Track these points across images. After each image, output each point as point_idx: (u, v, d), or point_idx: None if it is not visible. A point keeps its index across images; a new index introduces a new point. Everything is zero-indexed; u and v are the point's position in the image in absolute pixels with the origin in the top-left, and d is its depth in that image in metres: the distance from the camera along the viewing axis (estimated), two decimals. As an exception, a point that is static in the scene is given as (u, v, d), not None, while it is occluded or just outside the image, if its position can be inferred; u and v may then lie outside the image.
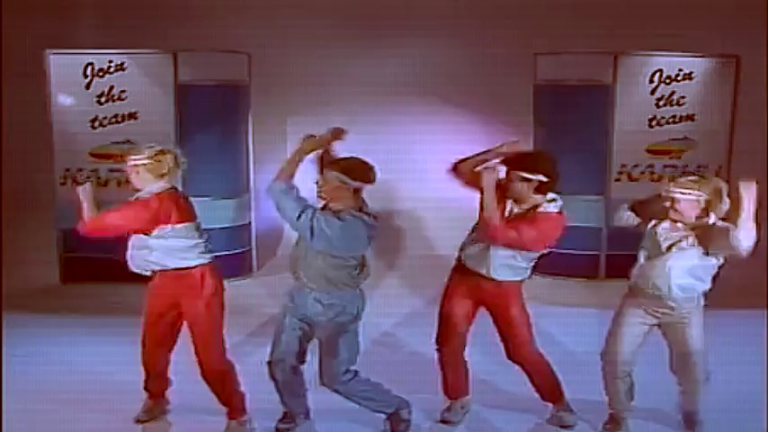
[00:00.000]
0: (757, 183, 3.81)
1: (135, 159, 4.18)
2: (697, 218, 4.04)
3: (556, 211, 4.15)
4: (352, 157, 4.06)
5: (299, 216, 3.88)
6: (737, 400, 4.52)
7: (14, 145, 7.89)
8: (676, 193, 4.05)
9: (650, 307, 4.20)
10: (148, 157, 4.16)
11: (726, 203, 4.03)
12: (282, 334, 4.21)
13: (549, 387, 4.51)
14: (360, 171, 3.99)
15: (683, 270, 4.05)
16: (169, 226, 4.12)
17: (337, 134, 4.17)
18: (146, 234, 4.13)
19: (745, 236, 3.79)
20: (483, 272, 4.21)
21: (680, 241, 4.08)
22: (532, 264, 4.29)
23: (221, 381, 4.31)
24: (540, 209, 4.13)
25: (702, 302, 4.22)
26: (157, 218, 4.10)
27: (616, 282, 7.03)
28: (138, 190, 4.22)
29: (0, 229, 7.52)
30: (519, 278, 4.27)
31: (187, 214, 4.24)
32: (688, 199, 4.02)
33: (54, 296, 7.04)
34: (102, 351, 5.64)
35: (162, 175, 4.18)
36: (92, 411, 4.66)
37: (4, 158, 7.91)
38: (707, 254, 4.02)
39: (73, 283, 7.30)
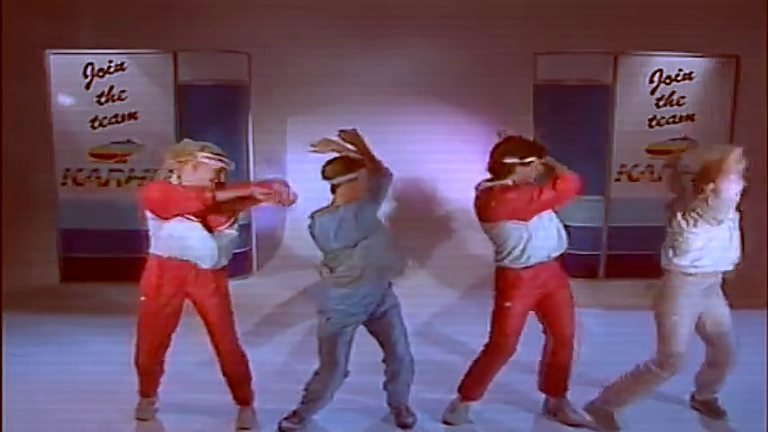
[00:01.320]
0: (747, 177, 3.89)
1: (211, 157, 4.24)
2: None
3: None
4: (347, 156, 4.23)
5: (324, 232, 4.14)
6: (738, 400, 4.52)
7: (14, 145, 7.89)
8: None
9: (707, 290, 4.21)
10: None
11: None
12: (338, 347, 4.20)
13: (561, 378, 4.50)
14: (359, 162, 4.18)
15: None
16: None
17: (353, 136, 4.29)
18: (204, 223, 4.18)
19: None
20: (551, 255, 4.28)
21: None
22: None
23: (238, 365, 4.39)
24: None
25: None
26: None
27: (616, 282, 7.10)
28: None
29: (0, 229, 7.52)
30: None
31: None
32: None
33: (54, 296, 7.03)
34: (102, 351, 5.65)
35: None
36: (92, 411, 4.66)
37: (4, 158, 7.91)
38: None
39: (73, 283, 7.30)
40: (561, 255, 4.30)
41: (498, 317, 4.34)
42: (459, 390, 4.56)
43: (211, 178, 4.22)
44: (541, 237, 4.20)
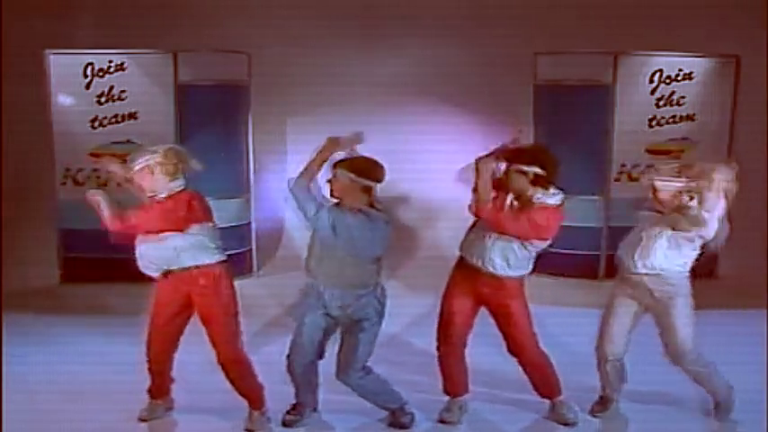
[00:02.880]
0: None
1: (147, 160, 4.19)
2: (682, 204, 4.18)
3: (553, 202, 4.18)
4: (362, 156, 4.22)
5: (317, 212, 4.06)
6: (737, 400, 4.52)
7: (14, 145, 7.88)
8: (657, 182, 4.23)
9: (635, 291, 4.35)
10: (163, 157, 4.18)
11: (719, 185, 4.08)
12: (303, 328, 4.31)
13: (546, 382, 4.52)
14: (369, 169, 4.15)
15: (657, 252, 4.21)
16: (198, 224, 4.21)
17: (358, 139, 4.29)
18: (172, 232, 4.16)
19: (705, 219, 3.97)
20: (479, 264, 4.24)
21: (655, 225, 4.25)
22: (532, 259, 4.29)
23: (240, 371, 4.37)
24: (537, 198, 4.17)
25: (686, 288, 4.29)
26: (189, 217, 4.17)
27: (616, 282, 7.10)
28: (151, 192, 4.23)
29: (0, 229, 7.52)
30: (517, 273, 4.27)
31: (210, 212, 4.34)
32: (668, 188, 4.18)
33: (54, 296, 7.03)
34: (102, 351, 5.65)
35: (175, 174, 4.22)
36: (91, 411, 4.66)
37: (4, 158, 7.91)
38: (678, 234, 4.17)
39: (73, 283, 7.29)
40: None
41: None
42: (444, 390, 4.60)
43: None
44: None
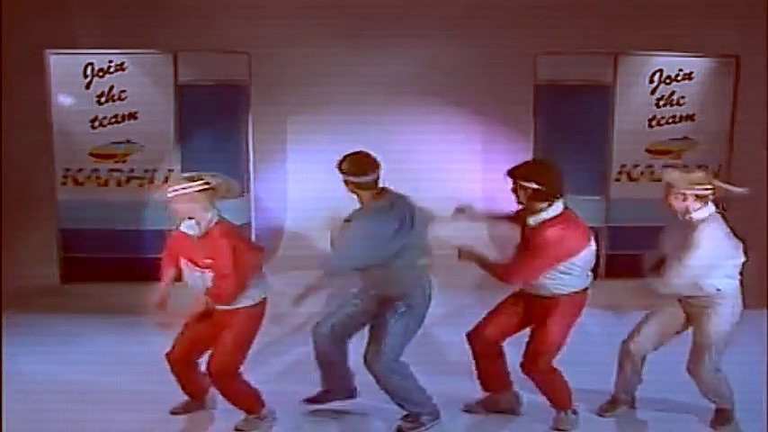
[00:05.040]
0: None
1: (193, 186, 4.07)
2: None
3: (549, 215, 4.17)
4: (350, 153, 4.24)
5: None
6: (738, 400, 4.51)
7: (14, 145, 7.89)
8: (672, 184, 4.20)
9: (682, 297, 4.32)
10: (207, 183, 4.10)
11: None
12: (342, 305, 4.41)
13: (558, 396, 4.48)
14: (344, 162, 4.18)
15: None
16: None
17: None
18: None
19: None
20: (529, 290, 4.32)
21: None
22: (570, 273, 4.27)
23: (224, 383, 4.31)
24: (533, 220, 4.20)
25: (724, 300, 4.24)
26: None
27: (616, 282, 7.07)
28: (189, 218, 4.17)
29: (0, 229, 7.52)
30: (559, 291, 4.25)
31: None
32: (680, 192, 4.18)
33: (54, 296, 7.03)
34: (102, 351, 5.65)
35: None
36: (92, 411, 4.66)
37: (4, 158, 7.91)
38: None
39: (73, 283, 7.29)
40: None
41: None
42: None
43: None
44: None
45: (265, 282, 4.32)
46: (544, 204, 4.17)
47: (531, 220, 4.20)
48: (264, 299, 4.30)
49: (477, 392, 4.68)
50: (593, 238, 4.34)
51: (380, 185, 4.27)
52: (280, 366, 5.32)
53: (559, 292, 4.24)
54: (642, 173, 7.48)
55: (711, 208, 4.19)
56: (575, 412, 4.51)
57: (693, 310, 4.30)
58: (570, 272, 4.23)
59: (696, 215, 4.16)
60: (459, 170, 8.17)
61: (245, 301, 4.19)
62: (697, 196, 4.15)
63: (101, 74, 7.09)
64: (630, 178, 7.47)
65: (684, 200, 4.17)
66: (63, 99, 7.12)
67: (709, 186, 4.16)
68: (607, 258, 7.42)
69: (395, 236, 4.13)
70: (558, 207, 4.19)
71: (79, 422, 4.53)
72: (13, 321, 6.01)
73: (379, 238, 4.10)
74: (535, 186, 4.13)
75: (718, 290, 4.21)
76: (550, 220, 4.16)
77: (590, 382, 4.71)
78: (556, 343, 4.28)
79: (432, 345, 5.52)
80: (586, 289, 4.36)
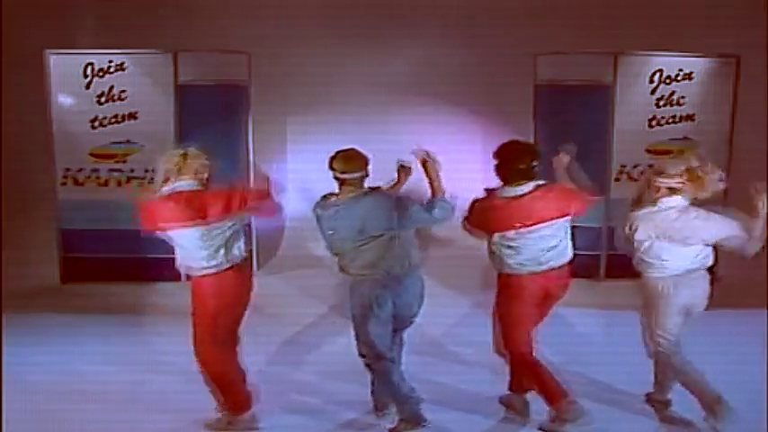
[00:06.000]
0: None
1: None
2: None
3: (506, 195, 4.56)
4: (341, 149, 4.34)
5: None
6: (738, 400, 4.51)
7: (14, 145, 7.89)
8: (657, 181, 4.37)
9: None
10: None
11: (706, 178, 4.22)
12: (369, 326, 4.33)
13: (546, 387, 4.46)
14: (332, 160, 4.28)
15: None
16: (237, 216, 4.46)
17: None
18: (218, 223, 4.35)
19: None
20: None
21: None
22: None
23: (222, 377, 4.34)
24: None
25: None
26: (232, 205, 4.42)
27: (616, 282, 7.09)
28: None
29: (0, 228, 7.52)
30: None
31: None
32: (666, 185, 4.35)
33: (54, 296, 7.03)
34: (102, 351, 5.65)
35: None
36: (91, 411, 4.65)
37: (4, 158, 7.91)
38: None
39: (73, 283, 7.29)
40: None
41: None
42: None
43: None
44: None
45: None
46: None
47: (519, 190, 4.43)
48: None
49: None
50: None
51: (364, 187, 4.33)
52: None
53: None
54: (642, 173, 7.48)
55: (683, 201, 4.30)
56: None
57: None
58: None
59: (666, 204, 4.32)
60: (458, 170, 8.16)
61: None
62: (669, 189, 4.28)
63: (101, 74, 7.09)
64: (630, 178, 7.46)
65: (658, 191, 4.34)
66: (63, 99, 7.12)
67: (680, 180, 4.26)
68: (607, 258, 7.42)
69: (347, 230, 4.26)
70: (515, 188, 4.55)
71: (79, 422, 4.54)
72: (13, 321, 6.00)
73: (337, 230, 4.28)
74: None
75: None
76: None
77: (591, 382, 4.71)
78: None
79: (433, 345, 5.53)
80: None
